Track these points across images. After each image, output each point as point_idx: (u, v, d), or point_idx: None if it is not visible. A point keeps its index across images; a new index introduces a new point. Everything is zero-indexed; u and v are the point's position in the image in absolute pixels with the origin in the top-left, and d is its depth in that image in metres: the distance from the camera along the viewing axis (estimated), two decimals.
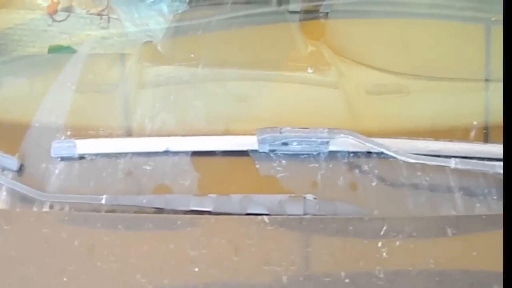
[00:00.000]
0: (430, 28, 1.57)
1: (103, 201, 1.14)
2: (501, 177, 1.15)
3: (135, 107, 1.39)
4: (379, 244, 1.05)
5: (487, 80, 1.43)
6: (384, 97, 1.42)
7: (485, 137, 1.28)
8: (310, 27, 1.68)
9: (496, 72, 1.42)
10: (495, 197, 1.16)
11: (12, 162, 1.23)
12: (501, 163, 1.14)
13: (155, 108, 1.36)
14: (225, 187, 1.18)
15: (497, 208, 1.15)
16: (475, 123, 1.29)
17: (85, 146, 1.25)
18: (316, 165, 1.20)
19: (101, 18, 2.13)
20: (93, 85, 1.46)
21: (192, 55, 1.49)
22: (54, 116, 1.34)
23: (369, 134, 1.19)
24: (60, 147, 1.25)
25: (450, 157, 1.16)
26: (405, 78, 1.44)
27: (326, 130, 1.17)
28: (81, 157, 1.25)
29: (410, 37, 1.56)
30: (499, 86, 1.37)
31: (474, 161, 1.15)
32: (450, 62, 1.49)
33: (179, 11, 1.90)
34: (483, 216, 1.12)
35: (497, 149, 1.20)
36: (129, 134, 1.32)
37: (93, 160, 1.24)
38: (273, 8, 1.74)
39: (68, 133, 1.29)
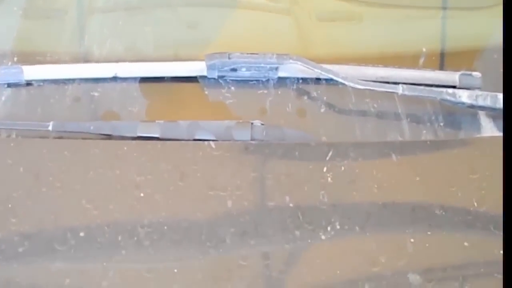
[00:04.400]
0: None
1: (50, 128, 1.13)
2: (448, 103, 1.16)
3: (84, 33, 1.37)
4: (324, 169, 1.06)
5: (441, 7, 1.42)
6: (336, 24, 1.41)
7: (434, 64, 1.28)
8: None
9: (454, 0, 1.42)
10: (441, 124, 1.17)
11: None
12: (448, 90, 1.15)
13: (104, 34, 1.33)
14: (173, 113, 1.18)
15: (443, 134, 1.16)
16: (424, 50, 1.29)
17: (32, 72, 1.23)
18: (265, 91, 1.20)
19: None
20: (42, 11, 1.43)
21: None
22: (1, 41, 1.31)
23: (320, 60, 1.19)
24: (6, 73, 1.23)
25: (399, 83, 1.16)
26: (358, 5, 1.43)
27: (275, 56, 1.17)
28: (28, 84, 1.23)
29: None
30: (452, 13, 1.37)
31: (422, 87, 1.16)
32: None
33: None
34: (428, 142, 1.13)
35: (445, 76, 1.21)
36: (77, 60, 1.30)
37: (41, 87, 1.23)
38: None
39: (15, 59, 1.27)
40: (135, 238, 0.99)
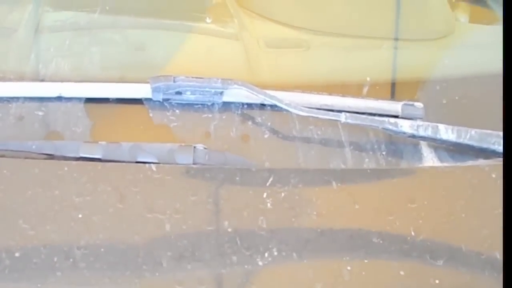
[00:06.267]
0: None
1: None
2: (389, 133, 1.17)
3: (30, 52, 1.36)
4: (264, 195, 1.06)
5: (386, 38, 1.45)
6: (284, 50, 1.43)
7: (378, 94, 1.29)
8: None
9: (401, 31, 1.44)
10: (384, 153, 1.18)
11: None
12: (390, 119, 1.17)
13: (50, 53, 1.33)
14: (117, 135, 1.17)
15: (385, 163, 1.17)
16: (368, 79, 1.30)
17: None
18: (210, 115, 1.21)
19: None
20: None
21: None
22: None
23: (266, 86, 1.20)
24: None
25: (342, 111, 1.17)
26: (306, 33, 1.44)
27: (219, 80, 1.17)
28: None
29: None
30: (397, 44, 1.40)
31: (364, 116, 1.17)
32: (353, 19, 1.50)
33: None
34: (368, 170, 1.14)
35: (387, 105, 1.22)
36: (22, 78, 1.28)
37: None
38: None
39: None
40: (71, 260, 0.98)
